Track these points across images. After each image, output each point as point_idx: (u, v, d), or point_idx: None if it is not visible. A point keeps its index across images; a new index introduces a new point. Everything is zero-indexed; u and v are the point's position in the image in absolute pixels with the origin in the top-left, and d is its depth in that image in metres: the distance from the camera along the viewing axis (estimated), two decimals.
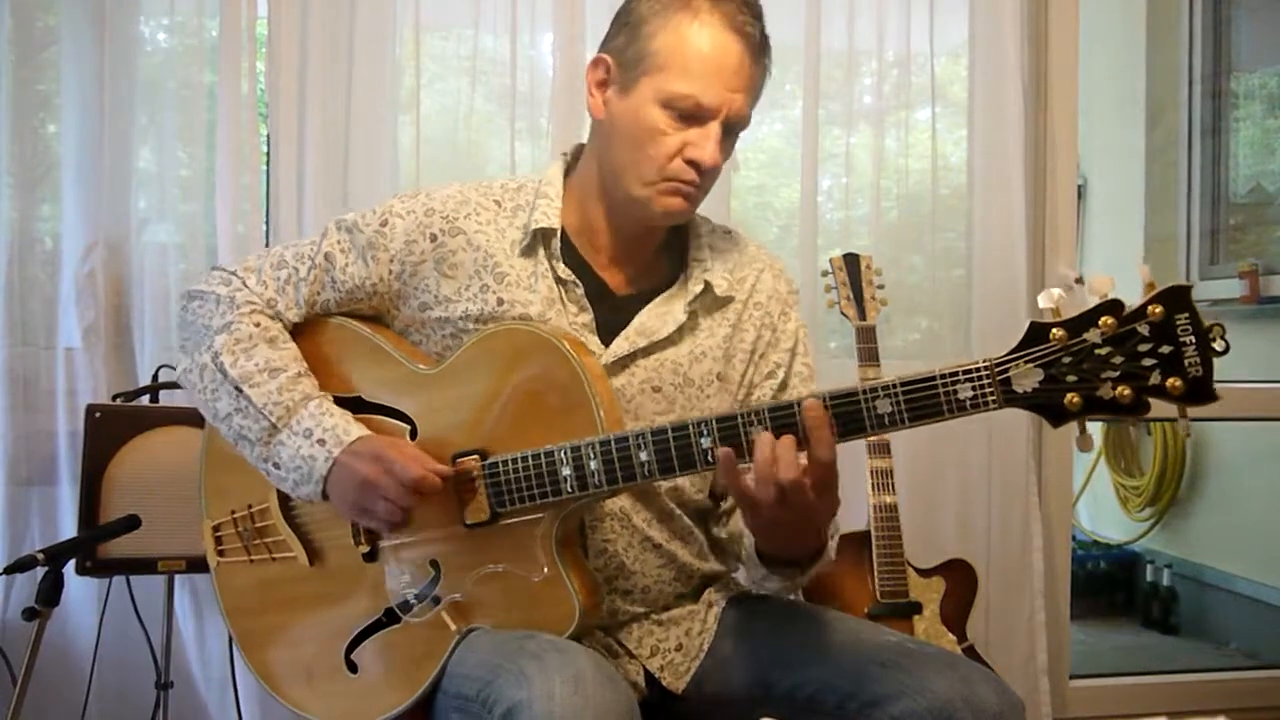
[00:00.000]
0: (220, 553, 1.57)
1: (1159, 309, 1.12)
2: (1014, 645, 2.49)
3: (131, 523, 1.79)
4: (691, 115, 1.38)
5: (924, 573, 2.20)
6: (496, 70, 2.35)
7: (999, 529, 2.51)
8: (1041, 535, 2.49)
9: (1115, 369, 1.13)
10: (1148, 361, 1.12)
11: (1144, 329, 1.12)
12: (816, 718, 1.39)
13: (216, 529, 1.57)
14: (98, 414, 1.94)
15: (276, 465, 1.42)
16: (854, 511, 2.22)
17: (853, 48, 2.47)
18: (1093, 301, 1.15)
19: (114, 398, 2.05)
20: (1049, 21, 2.57)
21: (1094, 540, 4.33)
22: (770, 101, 2.61)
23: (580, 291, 1.46)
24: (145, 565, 1.95)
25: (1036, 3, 2.55)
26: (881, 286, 2.27)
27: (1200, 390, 1.12)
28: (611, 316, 1.48)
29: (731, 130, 1.43)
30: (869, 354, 2.21)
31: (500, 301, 1.44)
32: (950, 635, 2.14)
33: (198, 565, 1.95)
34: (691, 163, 1.39)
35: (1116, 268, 4.25)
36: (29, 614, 1.59)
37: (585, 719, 1.16)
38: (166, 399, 2.08)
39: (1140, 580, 4.12)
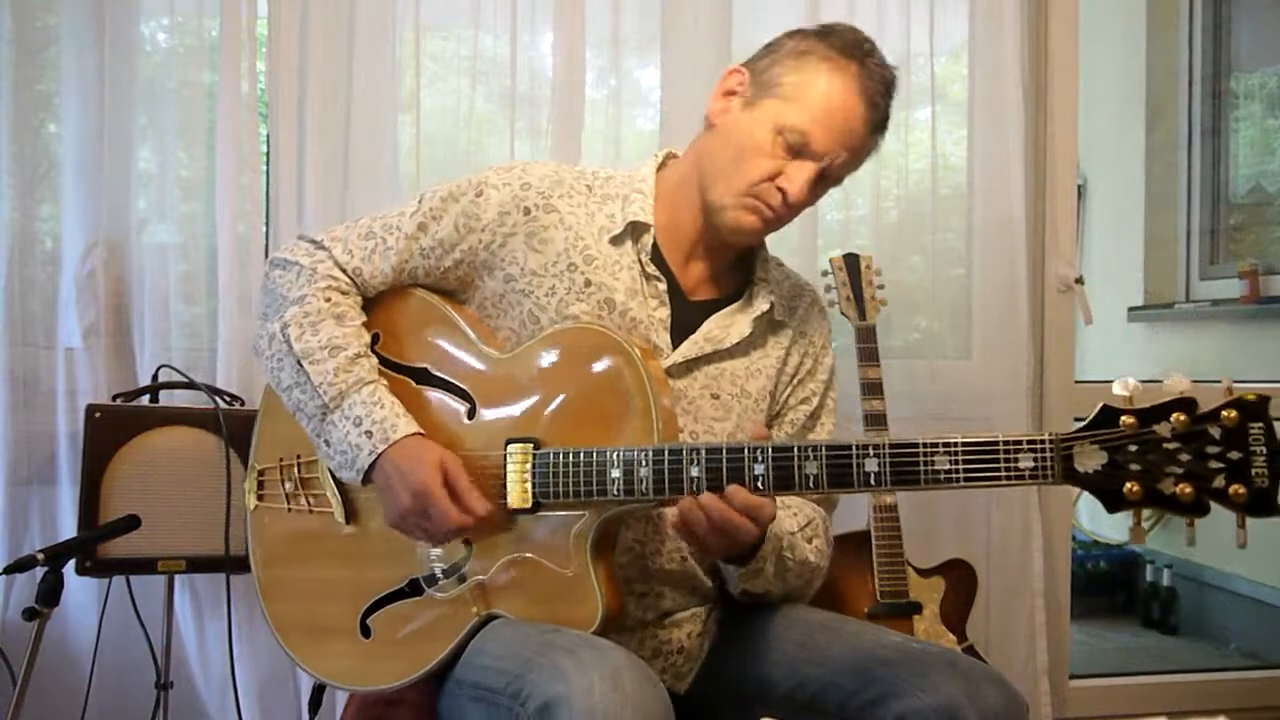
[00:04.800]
0: (260, 497, 1.59)
1: (1234, 414, 1.13)
2: (1014, 645, 2.49)
3: (131, 523, 1.79)
4: (796, 150, 1.45)
5: (924, 573, 2.20)
6: (496, 70, 2.35)
7: (999, 529, 2.50)
8: (1041, 535, 2.49)
9: (1180, 466, 1.13)
10: (1214, 464, 1.13)
11: (1215, 431, 1.13)
12: (818, 718, 1.40)
13: (261, 474, 1.60)
14: (98, 414, 1.94)
15: (327, 443, 1.44)
16: (854, 511, 2.22)
17: None
18: (1168, 396, 1.15)
19: (114, 398, 2.05)
20: (1049, 21, 2.57)
21: (1094, 540, 4.33)
22: None
23: (663, 288, 1.50)
24: (145, 565, 1.94)
25: (1036, 3, 2.55)
26: (881, 286, 2.27)
27: (1264, 502, 1.12)
28: (681, 319, 1.52)
29: (824, 180, 1.49)
30: (869, 354, 2.21)
31: (588, 283, 1.47)
32: (950, 635, 2.14)
33: (198, 565, 1.96)
34: (780, 191, 1.46)
35: (1116, 268, 4.27)
36: (29, 614, 1.59)
37: (625, 716, 1.16)
38: (166, 399, 2.08)
39: (1140, 580, 4.12)
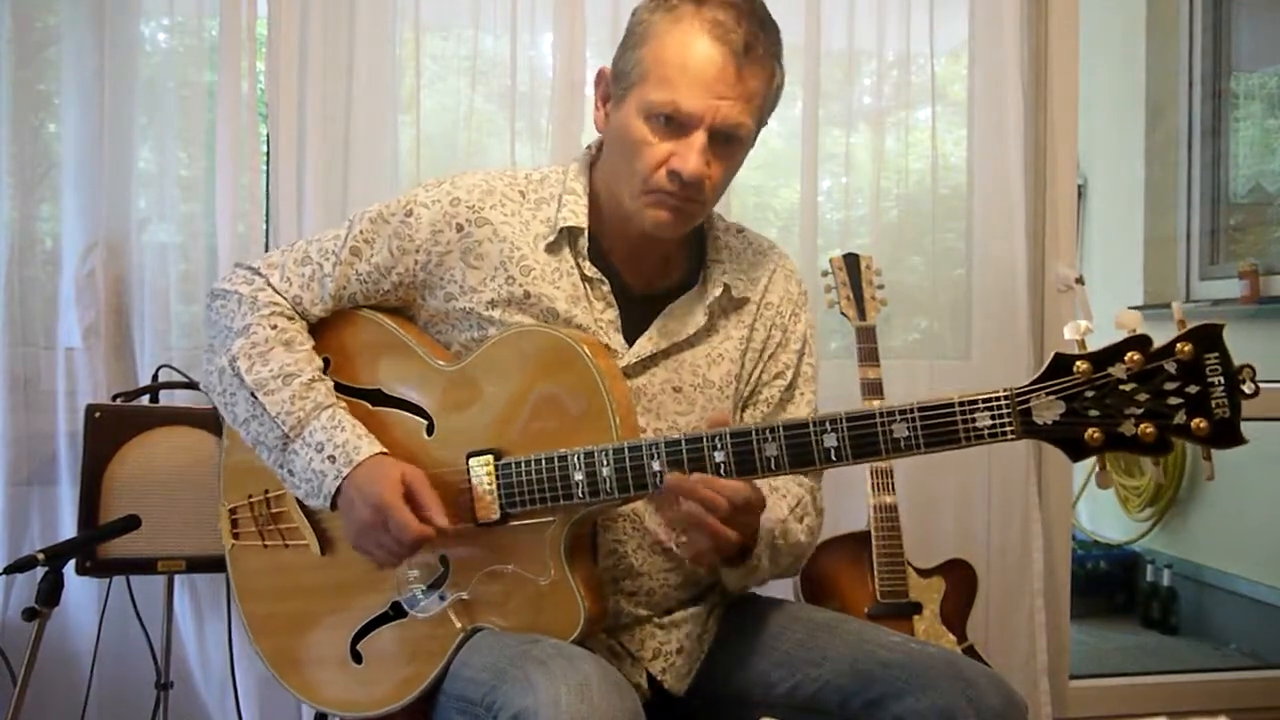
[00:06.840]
0: (235, 535, 1.58)
1: (1188, 347, 1.10)
2: (1014, 645, 2.49)
3: (131, 523, 1.79)
4: (674, 124, 1.36)
5: (924, 573, 2.20)
6: (496, 70, 2.35)
7: (999, 529, 2.51)
8: (1041, 535, 2.49)
9: (1139, 406, 1.11)
10: (1173, 400, 1.10)
11: (1171, 367, 1.10)
12: (818, 717, 1.39)
13: (233, 512, 1.59)
14: (98, 414, 1.94)
15: (290, 473, 1.43)
16: (854, 511, 2.22)
17: (853, 48, 2.46)
18: (1120, 336, 1.12)
19: (114, 398, 2.05)
20: (1049, 21, 2.57)
21: (1094, 540, 4.33)
22: None
23: (607, 289, 1.47)
24: (145, 565, 1.94)
25: (1036, 3, 2.55)
26: (881, 286, 2.28)
27: (1226, 432, 1.10)
28: (633, 316, 1.48)
29: (725, 140, 1.38)
30: (869, 354, 2.21)
31: (527, 294, 1.44)
32: (950, 635, 2.14)
33: (198, 565, 1.96)
34: (673, 174, 1.36)
35: (1116, 267, 4.27)
36: (29, 614, 1.59)
37: None
38: (166, 399, 2.08)
39: (1140, 580, 4.12)
